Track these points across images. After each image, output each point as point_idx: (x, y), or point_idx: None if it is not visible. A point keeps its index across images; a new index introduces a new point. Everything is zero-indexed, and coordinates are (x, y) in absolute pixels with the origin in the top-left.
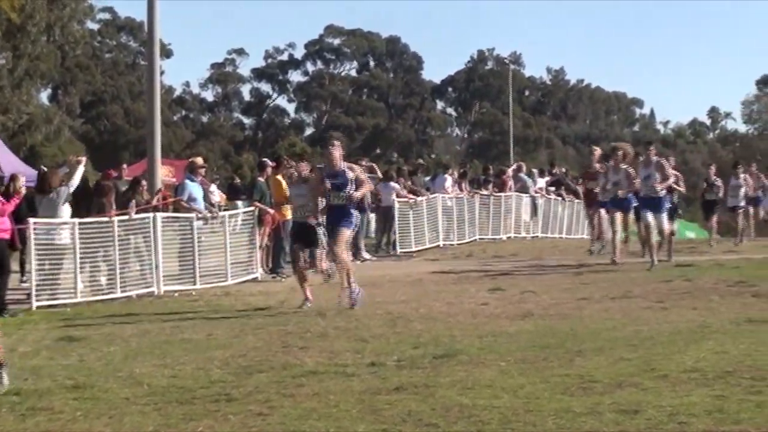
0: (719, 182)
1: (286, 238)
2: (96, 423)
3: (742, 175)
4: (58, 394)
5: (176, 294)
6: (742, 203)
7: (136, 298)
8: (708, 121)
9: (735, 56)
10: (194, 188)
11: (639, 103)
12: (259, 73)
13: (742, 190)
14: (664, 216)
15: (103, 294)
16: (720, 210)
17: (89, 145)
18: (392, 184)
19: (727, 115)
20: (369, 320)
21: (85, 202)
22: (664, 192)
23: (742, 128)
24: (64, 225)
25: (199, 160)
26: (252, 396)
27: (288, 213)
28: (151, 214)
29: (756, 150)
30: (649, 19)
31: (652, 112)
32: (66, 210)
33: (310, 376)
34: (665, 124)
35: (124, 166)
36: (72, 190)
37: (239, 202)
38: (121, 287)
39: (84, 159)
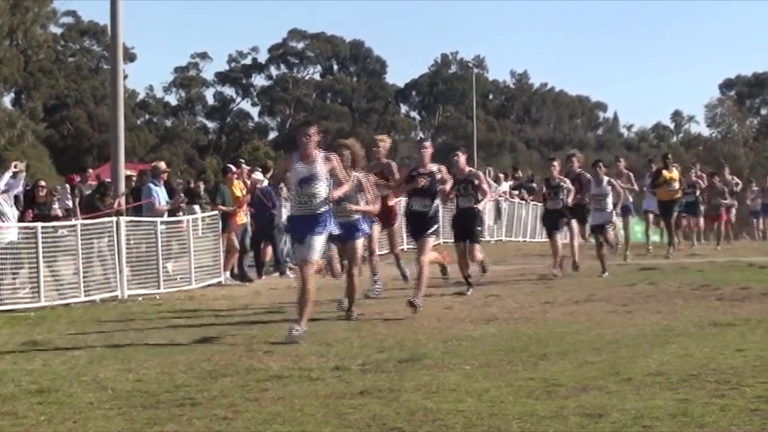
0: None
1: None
2: (60, 427)
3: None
4: (21, 399)
5: (140, 298)
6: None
7: (100, 303)
8: (671, 125)
9: (698, 60)
10: (158, 192)
11: (602, 106)
12: (222, 77)
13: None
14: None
15: (66, 298)
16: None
17: (53, 149)
18: None
19: (691, 118)
20: (333, 324)
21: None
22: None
23: (706, 132)
24: (9, 225)
25: (162, 165)
26: (216, 400)
27: (244, 218)
28: (114, 218)
29: (719, 153)
30: (613, 23)
31: (615, 115)
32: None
33: (275, 380)
34: (629, 127)
35: (91, 171)
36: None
37: (197, 207)
38: (84, 291)
39: (22, 164)
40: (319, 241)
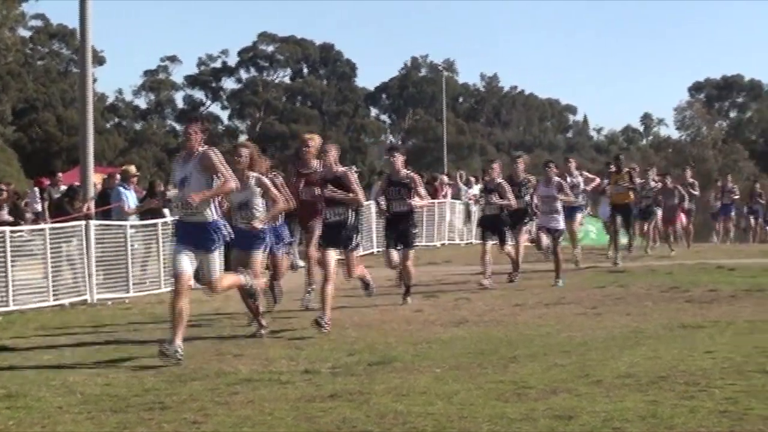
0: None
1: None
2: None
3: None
4: None
5: (110, 302)
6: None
7: (70, 307)
8: (641, 128)
9: (668, 63)
10: (127, 196)
11: (572, 109)
12: (192, 81)
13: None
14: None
15: (35, 302)
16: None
17: (21, 152)
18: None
19: (660, 121)
20: (303, 327)
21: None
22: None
23: (675, 134)
24: None
25: (132, 168)
26: (186, 404)
27: None
28: (83, 222)
29: (688, 156)
30: (583, 25)
31: (585, 118)
32: None
33: (245, 384)
34: (598, 130)
35: (61, 174)
36: None
37: (166, 210)
38: (53, 295)
39: None
40: (214, 262)
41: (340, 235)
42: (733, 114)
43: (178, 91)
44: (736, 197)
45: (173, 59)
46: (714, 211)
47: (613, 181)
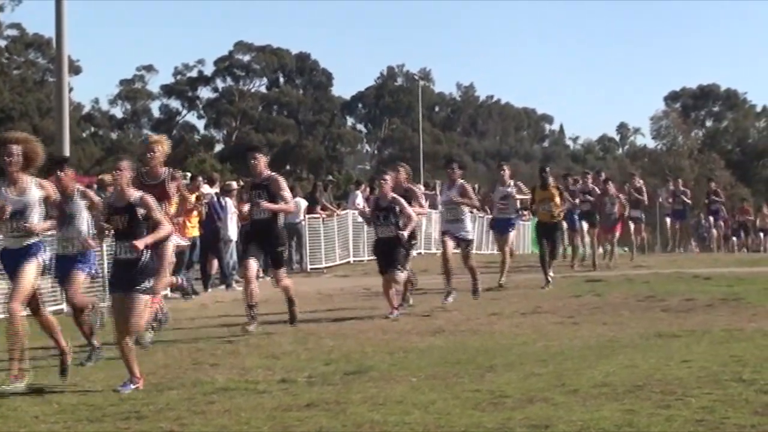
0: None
1: (194, 256)
2: None
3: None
4: None
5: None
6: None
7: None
8: (617, 137)
9: (644, 72)
10: None
11: (548, 119)
12: (168, 90)
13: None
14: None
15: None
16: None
17: None
18: (298, 199)
19: (636, 130)
20: (280, 337)
21: None
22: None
23: (651, 144)
24: None
25: (108, 178)
26: (162, 413)
27: (195, 231)
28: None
29: (664, 165)
30: (559, 35)
31: (561, 128)
32: None
33: (221, 393)
34: (575, 139)
35: None
36: None
37: None
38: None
39: None
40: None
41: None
42: (709, 123)
43: (155, 100)
44: (688, 201)
45: (149, 68)
46: (668, 212)
47: (538, 198)
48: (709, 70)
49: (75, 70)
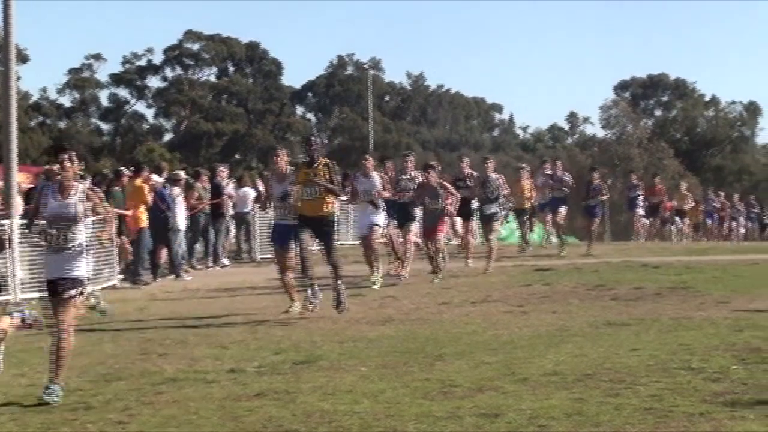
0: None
1: (143, 247)
2: None
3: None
4: None
5: (34, 302)
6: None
7: None
8: (567, 126)
9: (593, 62)
10: None
11: (498, 108)
12: (117, 79)
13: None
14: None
15: None
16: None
17: None
18: (246, 189)
19: (586, 120)
20: (229, 326)
21: None
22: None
23: (601, 133)
24: None
25: (55, 168)
26: (111, 404)
27: (145, 220)
28: (7, 221)
29: (614, 154)
30: (508, 24)
31: (511, 117)
32: None
33: (170, 383)
34: (524, 129)
35: None
36: None
37: None
38: None
39: None
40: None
41: None
42: (658, 113)
43: (103, 89)
44: (567, 185)
45: (98, 57)
46: (546, 200)
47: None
48: (659, 60)
49: (23, 58)
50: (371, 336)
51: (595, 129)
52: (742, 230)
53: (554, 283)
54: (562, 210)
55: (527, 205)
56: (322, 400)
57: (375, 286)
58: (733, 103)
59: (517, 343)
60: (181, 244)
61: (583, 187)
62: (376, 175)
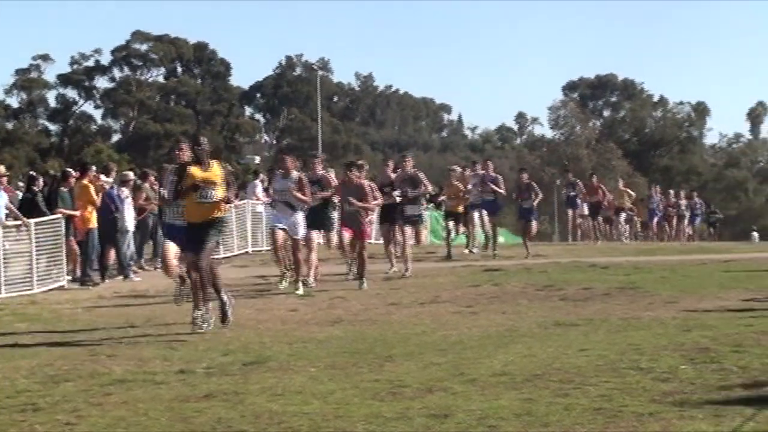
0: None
1: (93, 247)
2: None
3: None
4: None
5: None
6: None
7: None
8: (515, 127)
9: (542, 62)
10: None
11: (447, 109)
12: (64, 79)
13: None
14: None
15: None
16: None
17: None
18: None
19: (534, 120)
20: (178, 327)
21: None
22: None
23: (549, 133)
24: None
25: (1, 168)
26: (59, 405)
27: (93, 221)
28: None
29: (562, 155)
30: (456, 24)
31: (460, 117)
32: None
33: (119, 385)
34: (473, 129)
35: None
36: None
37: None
38: None
39: None
40: None
41: None
42: (606, 113)
43: (51, 90)
44: (501, 190)
45: (45, 58)
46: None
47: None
48: (607, 60)
49: None
50: (320, 337)
51: (543, 129)
52: (689, 230)
53: (503, 283)
54: (488, 215)
55: (460, 208)
56: (271, 401)
57: (281, 286)
58: (681, 103)
59: (466, 343)
60: (129, 245)
61: (515, 190)
62: (295, 175)
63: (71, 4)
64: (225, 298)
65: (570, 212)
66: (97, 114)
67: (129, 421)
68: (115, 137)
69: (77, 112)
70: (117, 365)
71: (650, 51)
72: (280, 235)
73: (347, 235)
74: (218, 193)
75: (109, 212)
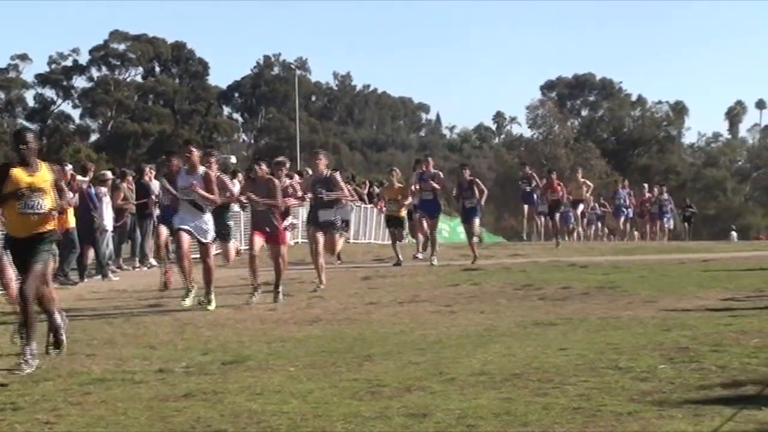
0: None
1: (70, 247)
2: None
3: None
4: None
5: None
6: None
7: None
8: (494, 126)
9: (520, 62)
10: None
11: (425, 108)
12: (43, 79)
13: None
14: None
15: None
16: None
17: None
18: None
19: (513, 119)
20: (157, 327)
21: None
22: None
23: (527, 133)
24: None
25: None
26: (39, 404)
27: (71, 221)
28: None
29: (541, 154)
30: (433, 23)
31: (438, 117)
32: None
33: (98, 384)
34: (451, 129)
35: None
36: None
37: None
38: None
39: None
40: None
41: None
42: (584, 112)
43: (29, 89)
44: (437, 186)
45: (23, 57)
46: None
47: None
48: (585, 60)
49: None
50: (299, 336)
51: (522, 129)
52: (669, 225)
53: (482, 282)
54: (427, 217)
55: (402, 212)
56: (250, 401)
57: (186, 303)
58: (660, 102)
59: (445, 342)
60: (107, 245)
61: (456, 188)
62: (201, 171)
63: (49, 3)
64: (59, 320)
65: (526, 208)
66: (75, 113)
67: (108, 420)
68: (93, 137)
69: (55, 111)
70: (96, 365)
71: (628, 50)
72: (185, 238)
73: (259, 240)
74: (47, 202)
75: (87, 212)
